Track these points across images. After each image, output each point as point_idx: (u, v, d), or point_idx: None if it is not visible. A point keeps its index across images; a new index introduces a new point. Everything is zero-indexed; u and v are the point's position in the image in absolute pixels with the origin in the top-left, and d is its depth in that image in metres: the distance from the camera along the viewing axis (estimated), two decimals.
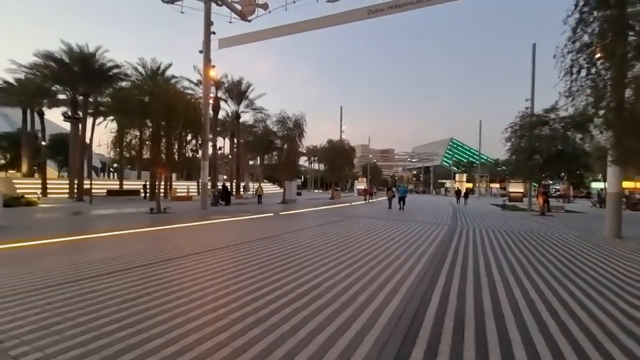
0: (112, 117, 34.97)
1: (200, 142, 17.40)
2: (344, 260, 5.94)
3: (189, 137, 16.30)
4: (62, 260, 5.54)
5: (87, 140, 25.89)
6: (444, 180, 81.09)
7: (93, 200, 21.58)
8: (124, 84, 23.85)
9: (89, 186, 23.56)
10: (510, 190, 37.33)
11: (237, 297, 3.81)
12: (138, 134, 14.67)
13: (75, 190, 24.53)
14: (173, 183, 36.40)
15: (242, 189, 35.68)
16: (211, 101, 19.18)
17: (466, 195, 33.99)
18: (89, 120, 27.93)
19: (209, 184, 23.69)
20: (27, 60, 23.85)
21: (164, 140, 15.09)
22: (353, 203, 27.66)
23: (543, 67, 22.58)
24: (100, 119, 34.99)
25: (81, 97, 25.10)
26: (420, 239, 8.61)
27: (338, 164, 37.30)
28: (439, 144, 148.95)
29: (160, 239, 7.92)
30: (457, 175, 66.62)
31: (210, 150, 23.51)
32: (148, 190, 27.68)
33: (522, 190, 37.12)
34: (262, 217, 14.03)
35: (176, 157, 15.99)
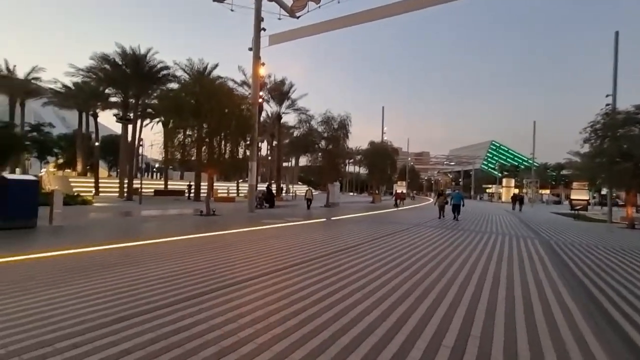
0: (157, 120, 36.15)
1: (248, 142, 16.84)
2: (463, 288, 4.69)
3: (239, 137, 15.76)
4: (122, 277, 4.76)
5: (137, 142, 26.42)
6: (489, 185, 76.31)
7: (141, 200, 21.81)
8: (172, 85, 24.07)
9: (138, 186, 23.96)
10: (573, 197, 33.76)
11: (368, 355, 2.71)
12: (190, 133, 14.28)
13: (125, 190, 25.08)
14: (214, 184, 36.72)
15: (283, 191, 35.17)
16: (260, 100, 18.55)
17: (521, 202, 31.33)
18: (137, 122, 28.65)
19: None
20: (84, 64, 24.80)
21: (215, 140, 14.62)
22: (401, 208, 26.08)
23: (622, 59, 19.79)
24: (147, 120, 36.19)
25: (132, 100, 25.71)
26: (523, 257, 7.12)
27: (380, 167, 35.76)
28: (478, 146, 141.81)
29: (223, 249, 7.08)
30: (504, 180, 62.18)
31: None
32: (192, 191, 27.83)
33: (586, 198, 33.56)
34: (316, 223, 13.03)
35: (226, 157, 15.51)
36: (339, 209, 22.03)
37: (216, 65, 27.54)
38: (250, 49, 17.80)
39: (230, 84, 27.95)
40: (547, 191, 67.83)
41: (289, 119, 39.73)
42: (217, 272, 5.03)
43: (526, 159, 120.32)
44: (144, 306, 3.52)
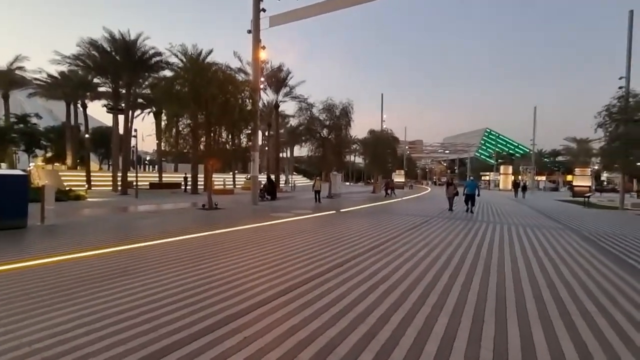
0: (149, 110, 34.73)
1: (250, 131, 15.94)
2: (540, 297, 4.03)
3: (241, 125, 14.84)
4: (135, 290, 3.98)
5: (130, 133, 25.19)
6: (486, 173, 76.48)
7: (137, 193, 20.83)
8: (166, 72, 22.85)
9: (132, 179, 22.94)
10: (575, 183, 33.61)
11: None
12: (189, 122, 13.33)
13: (119, 184, 24.00)
14: None
15: (282, 182, 34.32)
16: (262, 86, 17.54)
17: (524, 189, 31.32)
18: (129, 113, 27.32)
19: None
20: (71, 52, 23.29)
21: (216, 129, 13.72)
22: (404, 198, 25.51)
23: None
24: (138, 111, 34.72)
25: (123, 90, 24.37)
26: (571, 253, 6.52)
27: (381, 156, 34.95)
28: (472, 134, 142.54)
29: (242, 249, 6.31)
30: (502, 167, 62.04)
31: None
32: (189, 184, 26.83)
33: (589, 184, 33.36)
34: (328, 216, 12.31)
35: (227, 147, 14.61)
36: (343, 200, 21.34)
37: (210, 51, 26.18)
38: (249, 32, 16.72)
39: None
40: (543, 178, 67.98)
41: (285, 107, 38.64)
42: (247, 280, 4.28)
43: (517, 145, 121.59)
44: (174, 335, 2.77)
